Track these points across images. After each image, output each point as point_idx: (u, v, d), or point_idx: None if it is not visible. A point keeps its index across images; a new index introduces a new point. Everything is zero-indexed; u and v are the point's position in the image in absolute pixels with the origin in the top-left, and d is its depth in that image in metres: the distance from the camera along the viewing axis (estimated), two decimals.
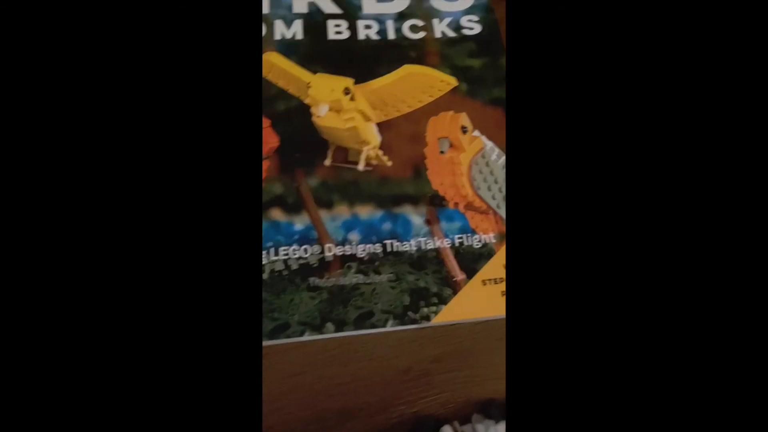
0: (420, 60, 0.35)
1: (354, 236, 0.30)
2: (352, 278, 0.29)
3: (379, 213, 0.31)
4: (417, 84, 0.34)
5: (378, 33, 0.36)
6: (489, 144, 0.34)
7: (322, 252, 0.30)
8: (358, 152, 0.32)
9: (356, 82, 0.33)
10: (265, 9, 0.36)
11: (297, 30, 0.36)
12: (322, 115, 0.32)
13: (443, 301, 0.29)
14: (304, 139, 0.32)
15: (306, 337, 0.28)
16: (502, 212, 0.32)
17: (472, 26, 0.38)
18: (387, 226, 0.31)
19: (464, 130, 0.33)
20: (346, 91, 0.32)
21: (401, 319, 0.29)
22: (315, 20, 0.36)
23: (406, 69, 0.34)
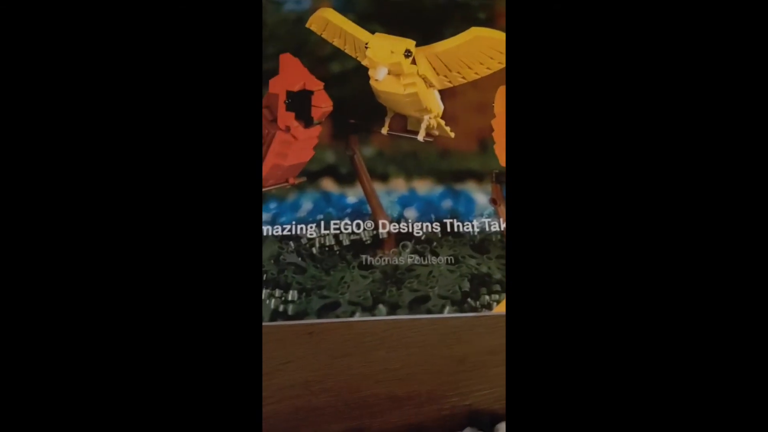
0: (489, 22, 0.32)
1: (411, 213, 0.29)
2: (408, 258, 0.28)
3: (438, 189, 0.29)
4: (485, 49, 0.31)
5: None
6: None
7: (376, 228, 0.28)
8: (418, 121, 0.30)
9: (418, 45, 0.30)
10: None
11: None
12: (380, 79, 0.30)
13: (506, 289, 0.27)
14: (360, 104, 0.30)
15: (356, 318, 0.27)
16: None
17: None
18: (447, 203, 0.29)
19: None
20: (407, 54, 0.30)
21: (460, 305, 0.27)
22: None
23: (474, 32, 0.31)
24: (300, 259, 0.28)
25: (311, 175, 0.29)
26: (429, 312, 0.27)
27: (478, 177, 0.29)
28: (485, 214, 0.29)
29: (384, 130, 0.30)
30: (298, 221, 0.28)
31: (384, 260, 0.28)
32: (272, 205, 0.29)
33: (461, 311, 0.27)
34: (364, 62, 0.30)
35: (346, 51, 0.31)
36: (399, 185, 0.29)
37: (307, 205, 0.29)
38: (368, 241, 0.28)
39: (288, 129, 0.29)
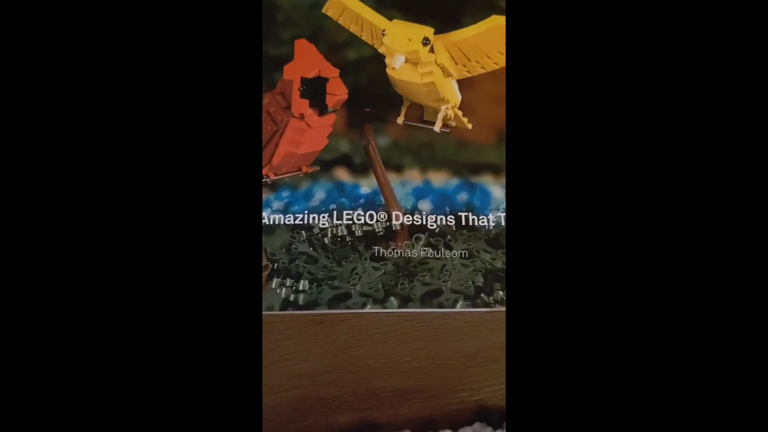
0: None
1: (425, 205, 0.28)
2: (421, 251, 0.27)
3: (454, 181, 0.29)
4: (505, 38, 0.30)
5: None
6: None
7: (389, 220, 0.28)
8: (435, 111, 0.30)
9: (437, 32, 0.29)
10: None
11: None
12: (397, 67, 0.29)
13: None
14: (376, 92, 0.30)
15: (367, 310, 0.26)
16: None
17: None
18: (463, 196, 0.29)
19: None
20: (425, 42, 0.29)
21: (473, 300, 0.27)
22: None
23: (494, 20, 0.30)
24: (312, 248, 0.27)
25: (324, 164, 0.29)
26: (441, 306, 0.27)
27: (495, 170, 0.29)
28: (501, 209, 0.28)
29: (400, 120, 0.30)
30: (311, 210, 0.28)
31: (396, 252, 0.27)
32: (284, 194, 0.28)
33: (474, 306, 0.27)
34: (381, 49, 0.30)
35: (363, 38, 0.31)
36: (414, 176, 0.29)
37: (319, 195, 0.28)
38: (381, 233, 0.28)
39: (302, 116, 0.29)
